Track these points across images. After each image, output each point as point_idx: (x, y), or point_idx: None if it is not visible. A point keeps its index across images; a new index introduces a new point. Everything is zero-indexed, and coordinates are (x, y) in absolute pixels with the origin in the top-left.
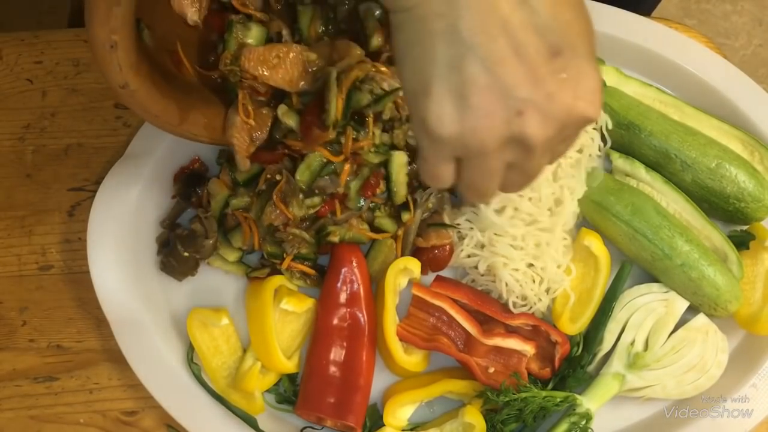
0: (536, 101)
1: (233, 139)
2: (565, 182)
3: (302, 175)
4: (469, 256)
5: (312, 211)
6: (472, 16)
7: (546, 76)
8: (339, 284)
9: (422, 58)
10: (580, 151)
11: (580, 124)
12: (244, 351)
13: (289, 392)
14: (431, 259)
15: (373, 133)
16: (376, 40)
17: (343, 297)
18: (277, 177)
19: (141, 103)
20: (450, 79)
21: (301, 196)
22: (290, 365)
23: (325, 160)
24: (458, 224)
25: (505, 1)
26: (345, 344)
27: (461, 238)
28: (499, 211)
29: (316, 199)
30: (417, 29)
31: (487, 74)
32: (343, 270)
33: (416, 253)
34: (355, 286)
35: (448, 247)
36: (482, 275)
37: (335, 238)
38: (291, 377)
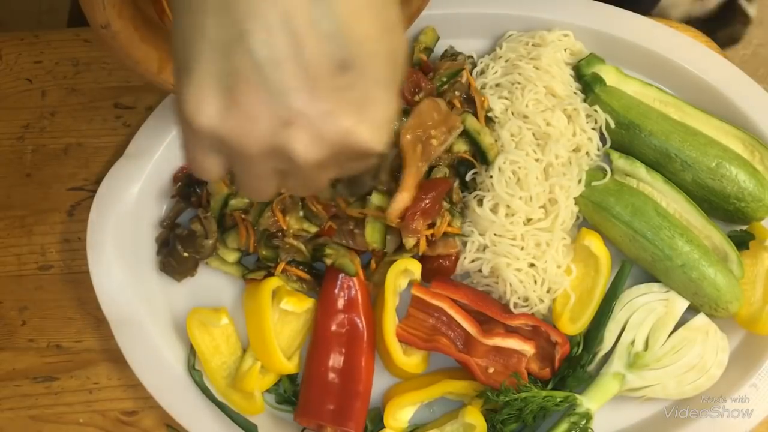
0: (310, 116)
1: None
2: (556, 181)
3: (372, 236)
4: (473, 261)
5: (305, 233)
6: None
7: (327, 91)
8: (336, 290)
9: (192, 27)
10: (575, 150)
11: (357, 154)
12: (244, 351)
13: (289, 392)
14: (436, 269)
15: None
16: None
17: (341, 303)
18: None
19: (122, 47)
20: (216, 65)
21: (301, 213)
22: (290, 366)
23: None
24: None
25: None
26: (344, 350)
27: (464, 243)
28: (493, 209)
29: (313, 228)
30: None
31: (257, 72)
32: (340, 275)
33: (421, 261)
34: (353, 291)
35: (454, 256)
36: (485, 277)
37: (329, 261)
38: (291, 377)
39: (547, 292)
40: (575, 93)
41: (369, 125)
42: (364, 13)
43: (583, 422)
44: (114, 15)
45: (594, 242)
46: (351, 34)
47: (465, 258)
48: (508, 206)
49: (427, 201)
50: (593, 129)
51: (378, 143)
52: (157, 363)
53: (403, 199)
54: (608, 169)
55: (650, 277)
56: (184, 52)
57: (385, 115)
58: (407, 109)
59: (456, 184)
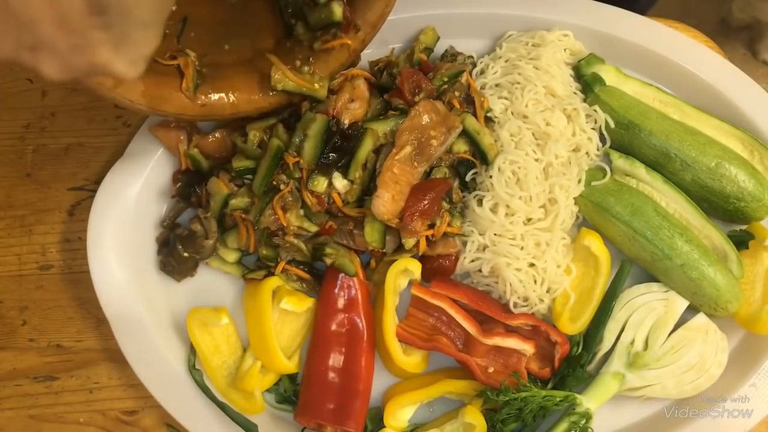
0: (57, 47)
1: None
2: (556, 180)
3: (371, 236)
4: (473, 261)
5: (305, 232)
6: None
7: (80, 28)
8: (336, 290)
9: None
10: (575, 150)
11: (109, 75)
12: (244, 350)
13: (289, 392)
14: (436, 269)
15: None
16: (338, 11)
17: (341, 302)
18: (281, 186)
19: None
20: None
21: (301, 211)
22: (291, 365)
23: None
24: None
25: None
26: (344, 350)
27: (464, 243)
28: (493, 209)
29: (313, 227)
30: None
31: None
32: (340, 275)
33: (421, 261)
34: (353, 291)
35: (453, 256)
36: (485, 276)
37: (329, 261)
38: (291, 377)
39: (547, 291)
40: (575, 93)
41: (124, 61)
42: None
43: (583, 422)
44: None
45: (594, 242)
46: None
47: (465, 258)
48: (507, 206)
49: (426, 201)
50: (593, 129)
51: (131, 74)
52: (157, 363)
53: (379, 195)
54: (608, 168)
55: (650, 277)
56: None
57: (141, 53)
58: (405, 109)
59: (456, 184)
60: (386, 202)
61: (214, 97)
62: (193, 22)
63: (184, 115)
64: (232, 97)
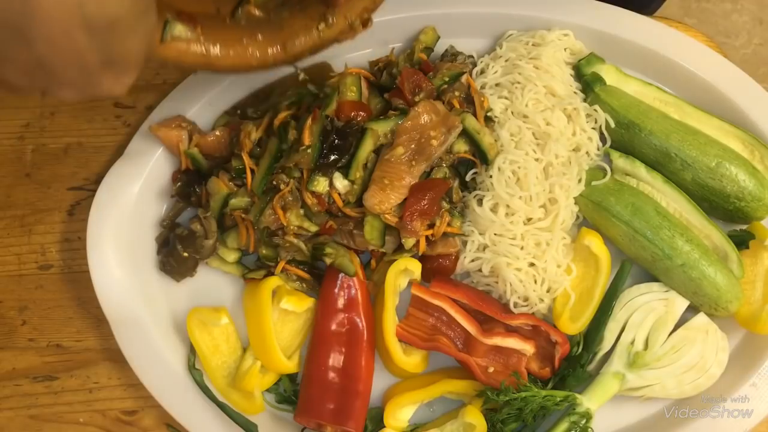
0: (73, 83)
1: None
2: (556, 180)
3: (371, 236)
4: (473, 261)
5: (305, 232)
6: None
7: (95, 73)
8: (336, 289)
9: None
10: (575, 150)
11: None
12: (244, 350)
13: (289, 392)
14: (436, 268)
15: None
16: None
17: (341, 302)
18: (282, 186)
19: None
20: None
21: (302, 211)
22: (291, 365)
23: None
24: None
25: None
26: (344, 350)
27: (464, 243)
28: (493, 209)
29: (314, 227)
30: None
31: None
32: (340, 275)
33: (421, 261)
34: (353, 291)
35: (453, 256)
36: (485, 276)
37: (329, 260)
38: (291, 377)
39: (547, 291)
40: (575, 92)
41: (121, 85)
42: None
43: (583, 422)
44: None
45: (594, 242)
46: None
47: (465, 257)
48: (507, 206)
49: (425, 201)
50: (593, 128)
51: (122, 92)
52: (157, 362)
53: (370, 189)
54: (608, 168)
55: (650, 277)
56: None
57: (132, 78)
58: (405, 109)
59: (456, 183)
60: (375, 194)
61: (215, 48)
62: None
63: (184, 62)
64: (232, 51)
